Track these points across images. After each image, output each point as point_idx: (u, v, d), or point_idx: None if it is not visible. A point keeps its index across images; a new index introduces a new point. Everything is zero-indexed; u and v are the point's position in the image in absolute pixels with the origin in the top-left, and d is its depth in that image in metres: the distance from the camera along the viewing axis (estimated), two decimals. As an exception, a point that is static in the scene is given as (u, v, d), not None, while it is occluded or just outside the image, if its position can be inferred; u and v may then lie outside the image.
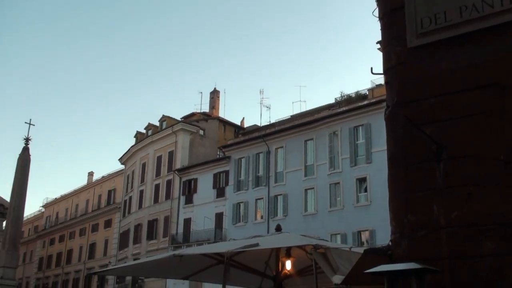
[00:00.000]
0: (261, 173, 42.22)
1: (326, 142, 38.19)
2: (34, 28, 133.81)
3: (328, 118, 38.29)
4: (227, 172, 44.79)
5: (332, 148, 37.77)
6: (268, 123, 47.50)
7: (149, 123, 56.68)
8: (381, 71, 4.37)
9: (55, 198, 75.78)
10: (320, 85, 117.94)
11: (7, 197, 40.39)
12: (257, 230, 34.09)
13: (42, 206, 79.02)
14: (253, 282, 9.66)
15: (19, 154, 30.65)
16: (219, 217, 44.05)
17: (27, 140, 30.32)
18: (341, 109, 37.99)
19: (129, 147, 57.54)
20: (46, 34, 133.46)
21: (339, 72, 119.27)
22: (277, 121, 45.91)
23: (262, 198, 41.31)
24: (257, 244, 7.27)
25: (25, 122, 30.50)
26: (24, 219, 44.54)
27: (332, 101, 43.37)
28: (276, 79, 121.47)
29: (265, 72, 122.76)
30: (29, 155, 30.56)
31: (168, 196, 49.52)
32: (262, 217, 41.05)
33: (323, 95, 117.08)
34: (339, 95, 42.44)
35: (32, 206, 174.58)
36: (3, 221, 44.34)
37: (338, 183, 36.74)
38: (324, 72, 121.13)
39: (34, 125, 30.24)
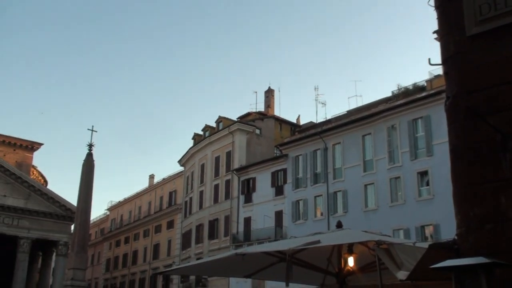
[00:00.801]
0: (319, 170, 41.99)
1: (385, 136, 37.56)
2: (93, 36, 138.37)
3: (385, 112, 37.63)
4: (285, 170, 44.82)
5: (391, 142, 37.10)
6: (324, 120, 47.15)
7: (206, 125, 57.50)
8: (439, 62, 4.28)
9: (119, 201, 78.12)
10: (376, 78, 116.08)
11: (74, 201, 42.05)
12: (317, 227, 33.98)
13: (107, 209, 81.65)
14: (316, 279, 9.62)
15: (84, 160, 31.61)
16: (278, 215, 44.14)
17: (90, 146, 31.20)
18: (399, 102, 37.25)
19: (187, 149, 58.56)
20: (103, 40, 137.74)
21: (395, 65, 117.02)
22: (333, 117, 45.49)
23: (321, 195, 41.08)
24: (318, 241, 7.23)
25: (88, 129, 31.41)
26: (91, 222, 46.09)
27: (389, 94, 42.60)
28: (331, 75, 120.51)
29: (319, 69, 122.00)
30: (93, 161, 31.47)
31: (227, 195, 50.07)
32: (322, 214, 40.83)
33: (379, 89, 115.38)
34: (396, 88, 41.66)
35: (97, 210, 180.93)
36: (72, 224, 46.21)
37: (399, 177, 36.05)
38: (379, 66, 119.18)
39: (96, 131, 31.16)
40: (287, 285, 7.49)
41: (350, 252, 8.21)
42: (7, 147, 54.75)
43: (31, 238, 48.38)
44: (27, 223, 48.55)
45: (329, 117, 47.02)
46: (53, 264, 53.07)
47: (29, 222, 48.70)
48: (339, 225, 9.00)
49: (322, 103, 58.13)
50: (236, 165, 49.65)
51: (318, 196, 41.37)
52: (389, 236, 8.23)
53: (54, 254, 51.93)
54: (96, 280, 77.40)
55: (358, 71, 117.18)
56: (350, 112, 43.65)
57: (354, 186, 38.66)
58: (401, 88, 40.83)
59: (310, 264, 8.74)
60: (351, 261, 8.30)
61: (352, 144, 39.68)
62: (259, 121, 53.18)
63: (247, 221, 46.66)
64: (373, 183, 37.60)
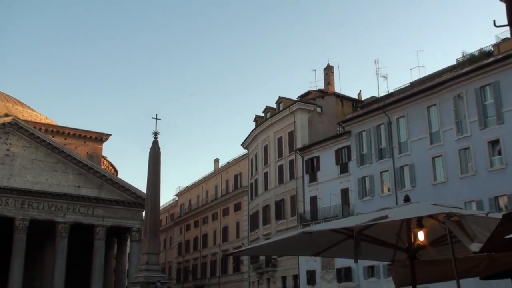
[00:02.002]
0: (383, 145, 41.22)
1: (451, 106, 36.33)
2: (161, 29, 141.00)
3: (451, 81, 36.33)
4: (348, 147, 44.29)
5: (458, 112, 35.84)
6: (387, 93, 46.08)
7: (266, 106, 57.53)
8: (506, 23, 4.05)
9: (186, 187, 79.87)
10: (439, 47, 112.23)
11: (143, 189, 43.32)
12: (385, 203, 33.44)
13: (176, 195, 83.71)
14: (386, 255, 9.48)
15: (150, 148, 32.36)
16: (344, 192, 43.78)
17: (155, 134, 31.86)
18: (465, 70, 35.83)
19: (250, 132, 58.91)
20: (163, 28, 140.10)
21: (458, 31, 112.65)
22: (395, 90, 44.40)
23: (387, 170, 40.36)
24: (386, 217, 7.09)
25: (152, 117, 31.96)
26: (161, 208, 47.45)
27: (453, 62, 41.04)
28: (391, 47, 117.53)
29: (378, 42, 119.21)
30: (159, 148, 32.18)
31: (292, 176, 50.10)
32: (389, 190, 40.15)
33: (443, 58, 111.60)
34: (461, 55, 40.06)
35: (166, 196, 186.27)
36: (143, 211, 47.74)
37: (468, 148, 34.84)
38: (442, 33, 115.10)
39: (160, 119, 31.76)
40: (356, 261, 7.43)
41: (420, 226, 8.01)
42: (78, 140, 57.05)
43: (105, 225, 50.41)
44: (101, 212, 50.61)
45: (391, 90, 45.97)
46: (128, 250, 55.17)
47: (103, 211, 50.74)
48: (407, 199, 8.78)
49: (384, 77, 56.73)
50: (299, 144, 49.51)
51: (384, 171, 40.68)
52: (460, 208, 7.96)
53: (128, 240, 53.91)
54: (169, 264, 79.86)
55: (419, 40, 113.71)
56: (413, 84, 42.47)
57: (421, 159, 37.73)
58: (466, 55, 39.24)
59: (379, 240, 8.60)
60: (421, 236, 8.10)
61: (417, 117, 38.65)
62: (320, 99, 52.67)
63: (313, 200, 46.57)
64: (441, 155, 36.55)
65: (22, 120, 50.74)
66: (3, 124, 47.93)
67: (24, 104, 62.51)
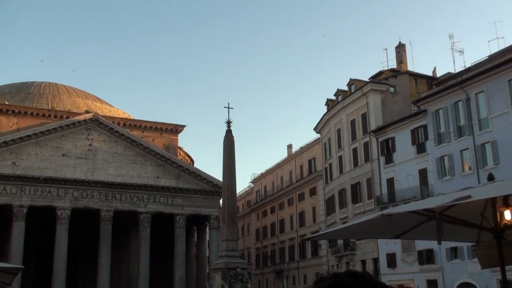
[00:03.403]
0: (462, 122, 39.69)
1: (534, 77, 34.39)
2: (230, 19, 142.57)
3: (533, 51, 34.36)
4: (425, 126, 43.00)
5: (543, 83, 33.87)
6: (463, 68, 44.29)
7: (337, 89, 56.83)
8: None
9: (261, 173, 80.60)
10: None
11: (219, 177, 43.99)
12: (466, 183, 32.34)
13: (251, 182, 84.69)
14: (470, 235, 9.15)
15: (224, 137, 32.79)
16: (422, 173, 42.61)
17: (228, 123, 32.16)
18: (548, 38, 33.73)
19: (322, 116, 58.47)
20: (238, 23, 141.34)
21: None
22: (473, 64, 42.55)
23: (467, 149, 38.86)
24: (469, 196, 6.83)
25: (225, 107, 32.25)
26: (237, 195, 48.16)
27: (535, 31, 38.72)
28: (466, 20, 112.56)
29: (452, 15, 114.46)
30: (232, 136, 32.50)
31: (367, 158, 49.34)
32: (470, 169, 38.67)
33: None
34: (543, 23, 37.72)
35: (242, 183, 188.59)
36: (220, 199, 48.65)
37: (555, 121, 32.90)
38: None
39: (232, 108, 31.96)
40: (439, 243, 7.23)
41: (506, 205, 7.68)
42: (155, 132, 58.80)
43: (185, 214, 51.87)
44: (180, 201, 52.09)
45: (468, 65, 44.13)
46: (207, 237, 56.52)
47: (182, 200, 52.20)
48: (491, 178, 8.43)
49: (459, 51, 54.76)
50: (372, 126, 48.62)
51: (464, 149, 39.20)
52: (550, 184, 7.54)
53: (207, 227, 55.20)
54: (248, 250, 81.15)
55: (497, 10, 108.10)
56: (492, 57, 40.51)
57: (504, 135, 36.03)
58: (549, 23, 36.93)
59: (462, 221, 8.33)
60: (507, 215, 7.76)
61: (497, 91, 36.88)
62: (393, 78, 51.38)
63: (390, 182, 45.67)
64: (525, 130, 34.77)
65: (102, 116, 52.89)
66: (85, 120, 50.22)
67: (102, 101, 65.12)
